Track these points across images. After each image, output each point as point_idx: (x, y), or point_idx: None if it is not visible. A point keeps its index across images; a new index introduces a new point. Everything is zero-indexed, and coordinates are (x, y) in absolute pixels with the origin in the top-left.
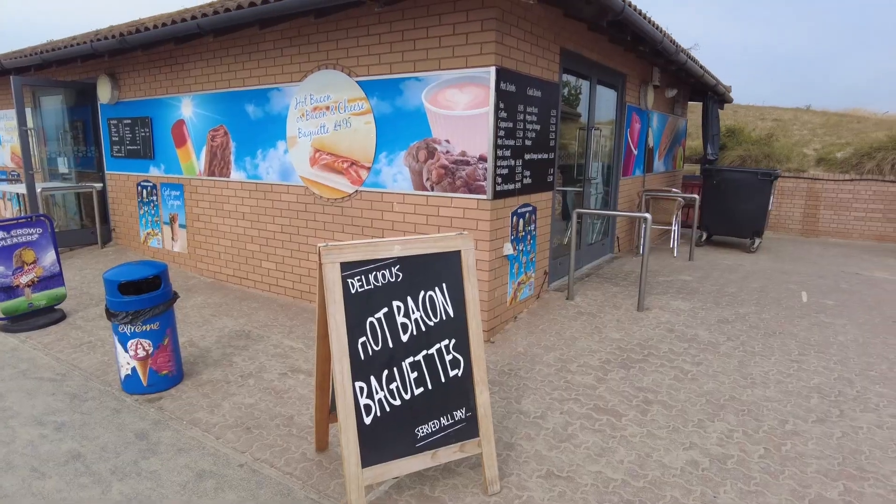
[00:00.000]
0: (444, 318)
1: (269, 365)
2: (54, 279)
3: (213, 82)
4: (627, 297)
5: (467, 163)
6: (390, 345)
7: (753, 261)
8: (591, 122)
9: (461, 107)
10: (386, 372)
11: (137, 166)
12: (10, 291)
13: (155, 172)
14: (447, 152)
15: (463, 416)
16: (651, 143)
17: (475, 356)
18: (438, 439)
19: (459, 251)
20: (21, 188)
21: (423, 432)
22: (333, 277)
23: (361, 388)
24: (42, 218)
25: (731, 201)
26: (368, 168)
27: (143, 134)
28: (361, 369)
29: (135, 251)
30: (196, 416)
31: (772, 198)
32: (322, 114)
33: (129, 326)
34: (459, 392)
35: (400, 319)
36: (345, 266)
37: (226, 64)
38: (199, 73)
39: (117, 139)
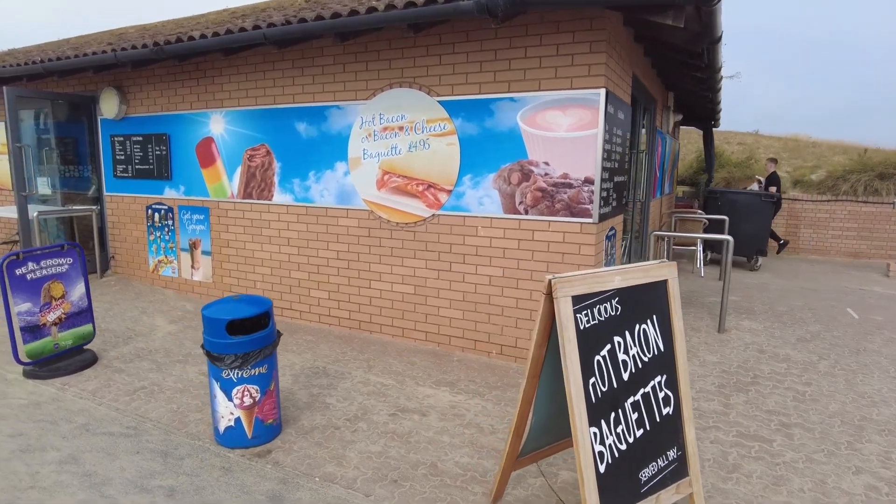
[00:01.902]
0: (656, 352)
1: (371, 405)
2: (82, 315)
3: (252, 98)
4: (696, 318)
5: (570, 185)
6: (614, 384)
7: (769, 279)
8: (639, 145)
9: (564, 128)
10: (613, 414)
11: (148, 187)
12: (37, 331)
13: (172, 194)
14: (546, 174)
15: (675, 456)
16: (664, 165)
17: (683, 392)
18: (658, 482)
19: (666, 280)
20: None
21: (645, 476)
22: (567, 313)
23: (595, 434)
24: (73, 246)
25: (735, 222)
26: (449, 191)
27: (157, 152)
28: (593, 413)
29: (140, 281)
30: (326, 470)
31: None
32: (394, 134)
33: (238, 371)
34: (671, 431)
35: (620, 356)
36: (575, 300)
37: (271, 78)
38: (235, 87)
39: (123, 158)
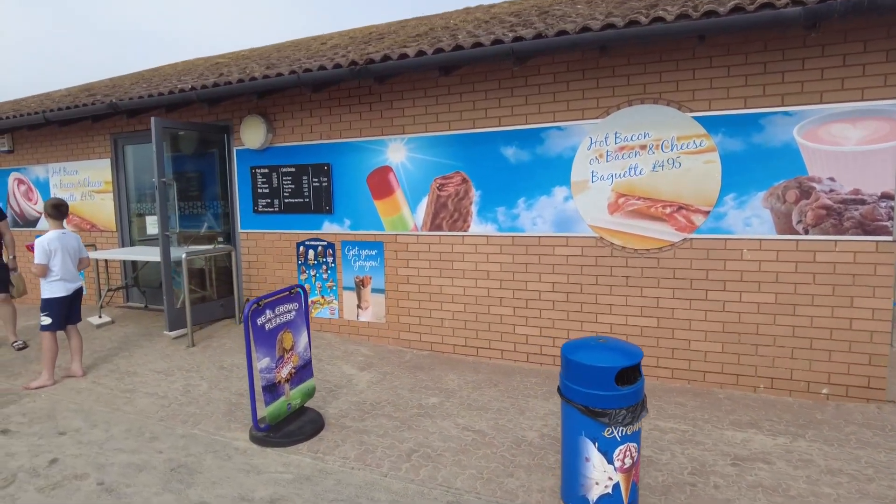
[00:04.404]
0: None
1: (699, 456)
2: (307, 368)
3: (444, 122)
4: None
5: (862, 202)
6: None
7: None
8: None
9: (853, 142)
10: None
11: (301, 222)
12: (274, 390)
13: (333, 229)
14: (831, 191)
15: None
16: None
17: None
18: None
19: None
20: (94, 255)
21: None
22: None
23: None
24: (298, 290)
25: None
26: (706, 212)
27: (316, 184)
28: None
29: None
30: None
31: None
32: (634, 153)
33: (624, 428)
34: None
35: None
36: None
37: (469, 101)
38: (422, 111)
39: (267, 191)
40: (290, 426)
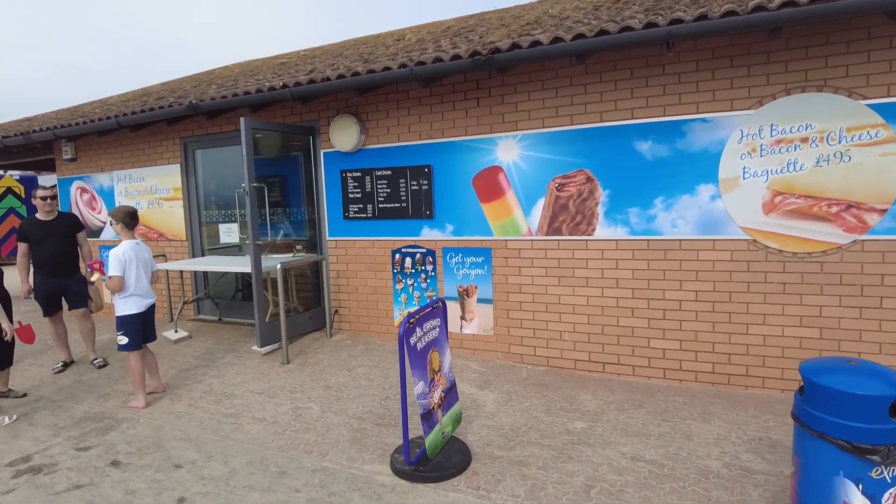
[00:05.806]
0: None
1: None
2: (453, 391)
3: (566, 116)
4: None
5: None
6: None
7: None
8: None
9: None
10: None
11: (397, 228)
12: (430, 418)
13: (434, 235)
14: None
15: None
16: None
17: None
18: None
19: None
20: (172, 265)
21: None
22: None
23: None
24: (440, 303)
25: None
26: (883, 210)
27: (415, 187)
28: None
29: (380, 338)
30: None
31: None
32: (793, 147)
33: (894, 468)
34: None
35: None
36: None
37: (596, 92)
38: (539, 105)
39: (359, 196)
40: (437, 457)
